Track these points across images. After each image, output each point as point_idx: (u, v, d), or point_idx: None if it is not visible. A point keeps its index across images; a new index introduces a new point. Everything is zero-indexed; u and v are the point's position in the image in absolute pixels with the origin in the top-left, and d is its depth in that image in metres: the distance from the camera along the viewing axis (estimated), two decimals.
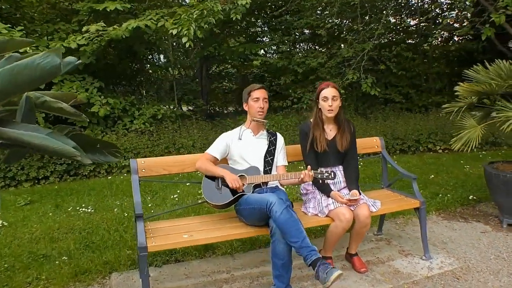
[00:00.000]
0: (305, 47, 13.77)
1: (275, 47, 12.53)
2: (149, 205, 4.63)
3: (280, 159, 2.96)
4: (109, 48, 8.47)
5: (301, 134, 3.02)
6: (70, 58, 1.34)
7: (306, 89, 10.63)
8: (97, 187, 5.54)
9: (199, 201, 4.36)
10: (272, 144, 2.93)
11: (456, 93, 3.85)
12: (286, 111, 10.37)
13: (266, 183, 2.81)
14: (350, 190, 2.92)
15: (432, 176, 5.64)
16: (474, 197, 4.48)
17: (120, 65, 8.95)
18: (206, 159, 2.82)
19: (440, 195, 4.62)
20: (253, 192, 2.68)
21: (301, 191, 3.13)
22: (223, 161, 2.93)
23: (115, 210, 4.45)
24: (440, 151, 8.10)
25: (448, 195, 4.59)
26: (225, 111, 14.43)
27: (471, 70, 3.79)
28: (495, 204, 3.82)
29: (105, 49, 8.00)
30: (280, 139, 3.00)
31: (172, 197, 4.95)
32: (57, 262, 3.15)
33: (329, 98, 2.87)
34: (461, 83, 3.70)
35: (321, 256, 2.28)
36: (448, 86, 12.52)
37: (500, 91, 3.35)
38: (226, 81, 14.86)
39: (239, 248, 3.40)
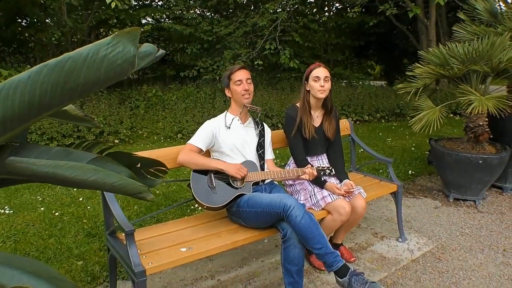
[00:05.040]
0: (210, 15, 13.15)
1: (177, 13, 11.69)
2: (81, 198, 3.96)
3: (269, 152, 2.67)
4: None
5: (287, 119, 2.76)
6: (147, 47, 0.84)
7: (214, 59, 10.15)
8: None
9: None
10: (261, 135, 2.61)
11: (408, 73, 3.93)
12: (198, 82, 9.82)
13: (263, 180, 2.51)
14: (341, 181, 2.78)
15: (361, 150, 5.83)
16: (413, 172, 4.75)
17: (8, 30, 7.49)
18: (189, 150, 2.40)
19: (381, 170, 4.80)
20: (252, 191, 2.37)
21: (285, 182, 2.90)
22: (206, 154, 2.54)
23: (41, 208, 3.69)
24: (353, 122, 8.52)
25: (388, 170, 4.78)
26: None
27: (423, 52, 3.89)
28: (442, 180, 4.07)
29: None
30: (267, 130, 2.70)
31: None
32: None
33: (321, 78, 2.67)
34: (418, 64, 3.77)
35: (344, 261, 2.11)
36: (347, 58, 13.25)
37: (460, 74, 3.48)
38: None
39: None
